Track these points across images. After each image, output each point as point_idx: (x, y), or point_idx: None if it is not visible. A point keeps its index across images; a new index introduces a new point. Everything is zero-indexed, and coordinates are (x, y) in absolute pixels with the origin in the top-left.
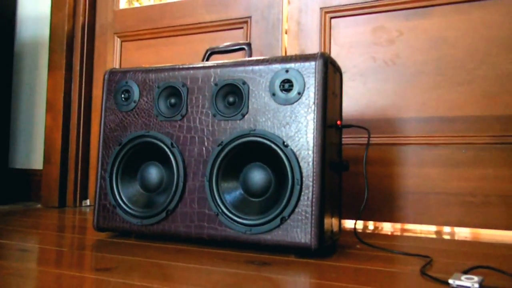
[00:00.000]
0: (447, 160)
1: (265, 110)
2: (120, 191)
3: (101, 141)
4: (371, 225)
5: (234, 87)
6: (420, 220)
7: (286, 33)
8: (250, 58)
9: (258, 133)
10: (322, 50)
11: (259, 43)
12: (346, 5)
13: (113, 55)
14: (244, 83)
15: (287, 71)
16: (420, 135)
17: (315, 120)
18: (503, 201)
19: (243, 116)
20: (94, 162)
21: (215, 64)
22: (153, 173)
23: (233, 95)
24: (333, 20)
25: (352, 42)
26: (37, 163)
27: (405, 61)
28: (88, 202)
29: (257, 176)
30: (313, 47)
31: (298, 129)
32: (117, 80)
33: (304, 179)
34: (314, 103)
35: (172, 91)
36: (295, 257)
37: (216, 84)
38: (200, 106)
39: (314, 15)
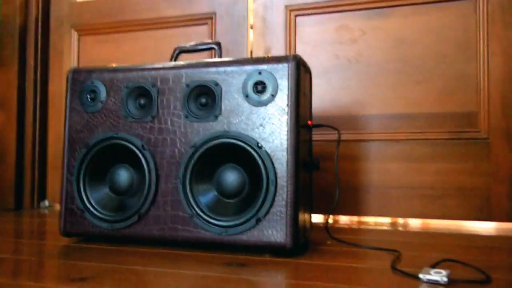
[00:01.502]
0: (408, 155)
1: (238, 111)
2: (88, 194)
3: (66, 143)
4: (330, 219)
5: (206, 88)
6: (383, 213)
7: (251, 29)
8: (222, 59)
9: (232, 135)
10: (288, 48)
11: (224, 40)
12: (310, 3)
13: (71, 50)
14: (216, 84)
15: (260, 72)
16: (382, 131)
17: (288, 122)
18: (460, 194)
19: (216, 117)
20: (52, 161)
21: (186, 64)
22: (123, 175)
23: (205, 96)
24: (298, 18)
25: (316, 40)
26: None
27: (368, 59)
28: (46, 203)
29: (231, 177)
30: (279, 45)
31: (272, 131)
32: (82, 80)
33: (278, 180)
34: (287, 104)
35: (142, 92)
36: (269, 256)
37: (187, 85)
38: (172, 107)
39: (279, 12)
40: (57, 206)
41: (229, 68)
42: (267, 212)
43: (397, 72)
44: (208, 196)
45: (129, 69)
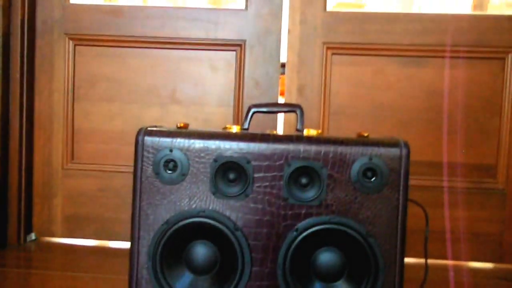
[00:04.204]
0: (432, 201)
1: (345, 196)
2: (167, 277)
3: (136, 218)
4: None
5: (310, 169)
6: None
7: (284, 64)
8: (328, 137)
9: (339, 221)
10: (323, 87)
11: (254, 72)
12: (348, 43)
13: (64, 60)
14: (322, 167)
15: (370, 158)
16: (410, 177)
17: (399, 211)
18: (475, 238)
19: (321, 201)
20: (38, 189)
21: (285, 138)
22: (204, 254)
23: (308, 177)
24: (334, 57)
25: (352, 81)
26: None
27: (401, 106)
28: (33, 236)
29: (331, 261)
30: (314, 82)
31: (382, 220)
32: (157, 146)
33: (387, 267)
34: (398, 192)
35: (233, 166)
36: None
37: (288, 165)
38: (269, 186)
39: (316, 48)
40: (44, 239)
41: (336, 149)
42: None
43: (428, 122)
44: (308, 281)
45: (216, 136)
